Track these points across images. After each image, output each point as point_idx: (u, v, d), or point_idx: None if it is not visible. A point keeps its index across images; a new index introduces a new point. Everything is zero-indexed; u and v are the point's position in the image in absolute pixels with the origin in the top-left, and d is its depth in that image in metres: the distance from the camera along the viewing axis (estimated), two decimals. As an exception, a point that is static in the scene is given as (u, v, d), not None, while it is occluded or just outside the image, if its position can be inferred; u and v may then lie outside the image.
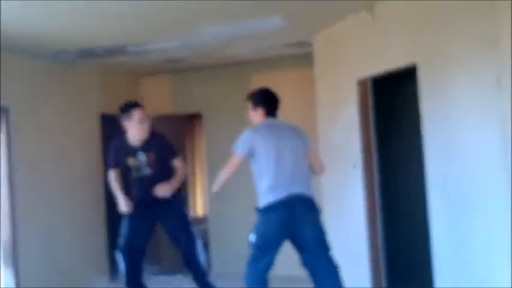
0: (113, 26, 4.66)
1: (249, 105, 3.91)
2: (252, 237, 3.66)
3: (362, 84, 4.69)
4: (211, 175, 6.65)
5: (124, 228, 4.39)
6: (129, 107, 4.31)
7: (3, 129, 5.19)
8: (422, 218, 4.13)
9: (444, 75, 3.71)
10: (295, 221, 3.64)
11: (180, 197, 4.65)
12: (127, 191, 4.52)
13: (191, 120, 8.59)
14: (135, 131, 4.25)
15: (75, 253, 5.81)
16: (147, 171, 4.34)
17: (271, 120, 3.87)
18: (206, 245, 7.47)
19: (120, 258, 4.39)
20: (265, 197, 3.66)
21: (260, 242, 3.64)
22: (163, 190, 4.25)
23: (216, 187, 3.84)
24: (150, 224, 4.48)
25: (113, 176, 4.47)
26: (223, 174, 3.77)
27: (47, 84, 5.70)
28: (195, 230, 4.53)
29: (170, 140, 4.67)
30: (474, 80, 3.46)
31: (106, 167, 4.47)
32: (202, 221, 8.92)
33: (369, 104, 4.72)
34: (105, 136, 6.35)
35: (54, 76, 5.80)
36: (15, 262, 5.17)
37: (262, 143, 3.71)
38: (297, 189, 3.67)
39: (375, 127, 4.74)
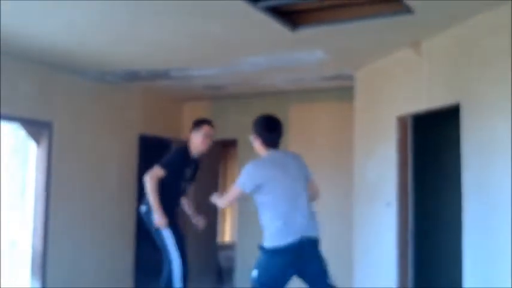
0: (158, 51, 4.76)
1: (252, 132, 3.65)
2: (255, 273, 3.45)
3: (402, 120, 4.63)
4: (242, 202, 6.64)
5: (172, 239, 4.31)
6: (202, 120, 4.53)
7: (45, 143, 5.31)
8: (456, 262, 3.99)
9: (488, 117, 3.62)
10: (303, 260, 3.45)
11: None
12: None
13: (226, 146, 8.63)
14: (199, 143, 4.41)
15: (102, 270, 5.83)
16: (184, 184, 4.50)
17: (273, 152, 3.59)
18: (230, 271, 7.42)
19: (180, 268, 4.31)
20: (275, 238, 3.43)
21: (264, 279, 3.43)
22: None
23: (215, 200, 3.75)
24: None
25: (156, 176, 4.25)
26: (221, 204, 3.72)
27: (90, 102, 5.84)
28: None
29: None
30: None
31: (161, 166, 4.23)
32: (229, 247, 8.88)
33: (408, 142, 4.64)
34: (143, 157, 6.44)
35: (99, 95, 5.93)
36: (43, 273, 5.22)
37: (271, 180, 3.47)
38: (309, 232, 3.47)
39: (412, 165, 4.65)
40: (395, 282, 4.54)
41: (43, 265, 5.21)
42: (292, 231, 3.41)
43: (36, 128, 5.26)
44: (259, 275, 3.46)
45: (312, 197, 3.69)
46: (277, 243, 3.42)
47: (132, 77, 5.70)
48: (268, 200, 3.47)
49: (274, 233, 3.44)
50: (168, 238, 4.30)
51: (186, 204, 4.64)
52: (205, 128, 4.44)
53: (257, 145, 3.62)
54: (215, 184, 7.62)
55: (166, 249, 4.28)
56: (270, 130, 3.59)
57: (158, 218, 4.20)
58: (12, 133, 5.46)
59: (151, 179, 4.22)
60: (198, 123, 4.50)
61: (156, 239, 4.32)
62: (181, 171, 4.41)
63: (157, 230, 4.28)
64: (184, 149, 4.47)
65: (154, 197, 4.21)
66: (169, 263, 4.27)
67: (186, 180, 4.48)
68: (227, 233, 10.09)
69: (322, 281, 3.53)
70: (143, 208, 4.38)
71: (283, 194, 3.47)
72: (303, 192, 3.53)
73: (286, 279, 3.49)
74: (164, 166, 4.28)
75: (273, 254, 3.44)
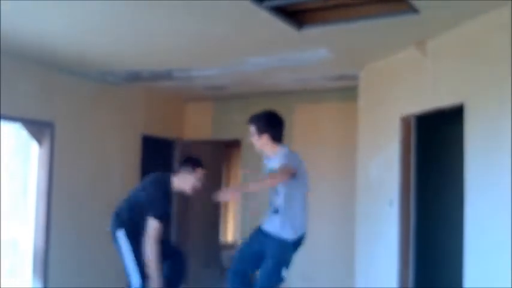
0: (160, 52, 4.75)
1: (253, 130, 3.58)
2: (285, 272, 3.45)
3: (405, 121, 4.62)
4: (245, 203, 6.62)
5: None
6: (197, 163, 4.14)
7: (47, 143, 5.30)
8: (457, 261, 3.97)
9: (492, 117, 3.60)
10: None
11: None
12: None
13: (230, 146, 8.62)
14: (188, 185, 4.08)
15: (104, 269, 5.82)
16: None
17: (286, 146, 3.59)
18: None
19: None
20: (297, 229, 3.54)
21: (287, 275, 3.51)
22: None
23: (253, 188, 3.67)
24: None
25: (159, 235, 3.87)
26: (269, 182, 3.47)
27: (92, 103, 5.83)
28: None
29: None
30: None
31: (156, 219, 3.85)
32: (231, 247, 8.86)
33: (411, 142, 4.63)
34: (146, 157, 6.43)
35: (100, 96, 5.92)
36: (45, 272, 5.21)
37: (300, 170, 3.50)
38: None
39: (415, 165, 4.64)
40: (396, 281, 4.52)
41: (45, 264, 5.21)
42: (303, 227, 3.55)
43: (37, 128, 5.26)
44: (287, 272, 3.49)
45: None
46: (300, 232, 3.53)
47: (134, 77, 5.68)
48: (297, 191, 3.50)
49: (298, 226, 3.52)
50: (130, 261, 4.00)
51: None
52: (199, 172, 4.09)
53: (263, 141, 3.56)
54: (218, 187, 7.59)
55: (128, 274, 4.03)
56: (277, 125, 3.59)
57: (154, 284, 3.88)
58: (14, 133, 5.46)
59: (152, 241, 3.83)
60: (193, 164, 4.11)
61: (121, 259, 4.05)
62: (170, 211, 4.14)
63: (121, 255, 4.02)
64: (167, 185, 4.05)
65: (156, 266, 3.83)
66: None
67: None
68: (230, 233, 10.07)
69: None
70: (121, 233, 3.98)
71: (304, 189, 3.54)
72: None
73: None
74: (159, 216, 3.87)
75: (294, 245, 3.51)
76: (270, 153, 3.60)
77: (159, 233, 3.88)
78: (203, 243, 7.19)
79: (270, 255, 3.49)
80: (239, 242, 7.01)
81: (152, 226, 3.85)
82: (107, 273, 5.83)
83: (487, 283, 3.56)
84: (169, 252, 4.17)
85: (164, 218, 3.95)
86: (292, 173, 3.38)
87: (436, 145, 4.94)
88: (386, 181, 4.76)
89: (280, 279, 3.46)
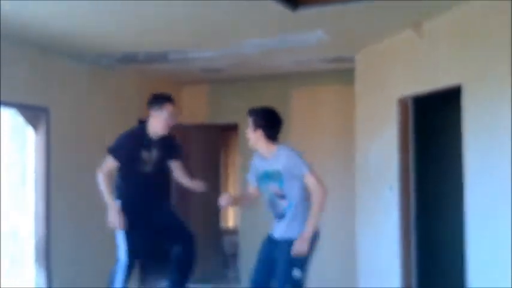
0: (156, 33, 4.68)
1: (250, 122, 3.55)
2: (298, 273, 3.38)
3: (402, 103, 4.59)
4: (243, 186, 6.61)
5: (124, 239, 4.00)
6: (163, 98, 4.02)
7: (43, 128, 5.26)
8: (459, 244, 3.98)
9: (490, 98, 3.58)
10: None
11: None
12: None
13: (227, 130, 8.58)
14: (160, 124, 3.95)
15: (106, 255, 5.82)
16: (150, 168, 4.03)
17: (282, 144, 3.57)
18: (235, 256, 7.44)
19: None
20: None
21: (305, 275, 3.44)
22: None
23: (314, 224, 3.46)
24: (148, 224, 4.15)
25: (108, 171, 3.92)
26: (322, 202, 3.41)
27: (87, 86, 5.77)
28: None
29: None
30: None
31: (110, 155, 3.89)
32: (232, 232, 8.88)
33: (409, 124, 4.60)
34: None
35: (95, 79, 5.87)
36: (48, 262, 5.20)
37: None
38: None
39: (414, 148, 4.62)
40: (398, 265, 4.53)
41: (47, 253, 5.19)
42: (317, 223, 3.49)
43: (33, 113, 5.21)
44: (303, 272, 3.41)
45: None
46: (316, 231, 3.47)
47: (130, 59, 5.62)
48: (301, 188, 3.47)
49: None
50: (120, 237, 4.01)
51: (179, 178, 4.23)
52: (168, 108, 3.96)
53: (257, 136, 3.53)
54: (216, 172, 7.57)
55: (118, 246, 4.02)
56: (274, 123, 3.54)
57: (110, 217, 3.89)
58: (10, 120, 5.42)
59: (100, 173, 3.88)
60: (159, 101, 3.97)
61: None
62: (136, 156, 3.93)
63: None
64: (136, 130, 4.06)
65: (105, 193, 3.87)
66: (116, 261, 4.03)
67: (148, 165, 3.99)
68: (230, 218, 10.09)
69: None
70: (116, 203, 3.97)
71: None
72: None
73: None
74: (111, 153, 3.88)
75: (315, 239, 3.46)
76: (264, 152, 3.54)
77: (108, 168, 3.92)
78: (204, 229, 7.19)
79: (280, 258, 3.45)
80: (240, 227, 7.02)
81: (105, 160, 3.92)
82: (109, 260, 5.82)
83: (489, 263, 3.58)
84: (178, 235, 4.12)
85: (119, 157, 3.90)
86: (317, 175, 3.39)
87: (434, 127, 4.92)
88: (386, 164, 4.74)
89: (293, 280, 3.37)
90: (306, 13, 3.99)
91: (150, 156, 4.01)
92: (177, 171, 4.24)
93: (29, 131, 5.29)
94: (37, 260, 5.20)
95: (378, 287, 4.84)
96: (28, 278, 5.24)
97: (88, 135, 5.75)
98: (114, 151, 3.93)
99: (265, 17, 4.14)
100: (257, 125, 3.51)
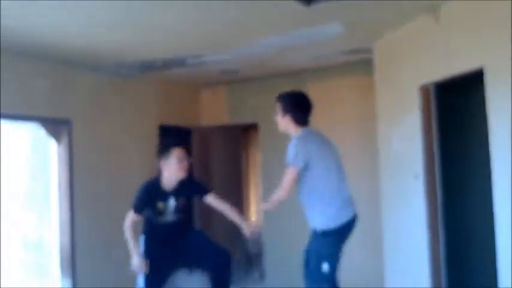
0: (172, 39, 4.70)
1: (278, 108, 3.50)
2: (326, 267, 3.30)
3: (424, 90, 4.50)
4: (266, 185, 6.58)
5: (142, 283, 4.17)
6: (167, 146, 4.11)
7: (65, 140, 5.31)
8: (488, 232, 3.87)
9: (514, 79, 3.48)
10: (344, 241, 3.49)
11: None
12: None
13: (247, 130, 8.57)
14: (172, 170, 4.04)
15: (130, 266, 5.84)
16: (170, 217, 4.17)
17: (311, 128, 3.52)
18: (259, 256, 7.40)
19: None
20: (336, 219, 3.39)
21: (332, 268, 3.33)
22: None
23: (268, 206, 3.50)
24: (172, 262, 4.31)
25: (131, 222, 4.10)
26: (280, 195, 3.40)
27: (107, 96, 5.81)
28: None
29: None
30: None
31: (132, 209, 4.09)
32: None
33: (431, 111, 4.51)
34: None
35: (115, 89, 5.90)
36: (73, 272, 5.24)
37: (319, 155, 3.39)
38: (354, 209, 3.49)
39: (438, 135, 4.53)
40: (426, 255, 4.45)
41: (72, 263, 5.23)
42: (347, 209, 3.41)
43: (55, 126, 5.27)
44: (330, 266, 3.33)
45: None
46: (338, 222, 3.37)
47: (148, 67, 5.64)
48: (319, 179, 3.37)
49: (332, 213, 3.37)
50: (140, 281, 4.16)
51: (221, 211, 4.29)
52: (175, 153, 4.04)
53: (286, 121, 3.47)
54: (238, 171, 7.56)
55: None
56: (303, 107, 3.48)
57: (133, 262, 4.07)
58: (32, 133, 5.48)
59: (126, 229, 4.06)
60: (164, 150, 4.07)
61: None
62: (154, 206, 4.09)
63: None
64: (150, 183, 4.13)
65: (131, 244, 4.05)
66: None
67: (168, 215, 4.13)
68: (253, 214, 10.06)
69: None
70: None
71: (334, 171, 3.40)
72: (343, 174, 3.49)
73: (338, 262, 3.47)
74: (132, 208, 4.06)
75: (335, 234, 3.37)
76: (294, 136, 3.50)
77: (132, 222, 4.07)
78: (225, 226, 7.17)
79: (309, 252, 3.43)
80: (262, 223, 6.99)
81: (128, 215, 4.08)
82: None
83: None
84: (211, 259, 4.19)
85: (140, 210, 4.07)
86: (294, 177, 3.30)
87: (458, 113, 4.80)
88: (410, 154, 4.66)
89: (322, 276, 3.30)
90: (320, 7, 3.94)
91: (166, 206, 4.12)
92: (215, 204, 4.30)
93: (52, 143, 5.34)
94: (62, 269, 5.24)
95: (403, 276, 4.76)
96: (54, 286, 5.28)
97: (110, 144, 5.79)
98: (134, 205, 4.08)
99: (279, 14, 4.10)
100: (285, 110, 3.44)
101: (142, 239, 4.23)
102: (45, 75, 5.12)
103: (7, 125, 5.32)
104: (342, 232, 3.42)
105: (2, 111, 4.64)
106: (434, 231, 4.47)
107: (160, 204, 4.09)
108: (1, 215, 5.23)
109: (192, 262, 4.39)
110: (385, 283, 5.14)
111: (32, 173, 5.57)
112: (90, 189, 5.49)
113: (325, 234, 3.37)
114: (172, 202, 4.12)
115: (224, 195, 4.64)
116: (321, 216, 3.39)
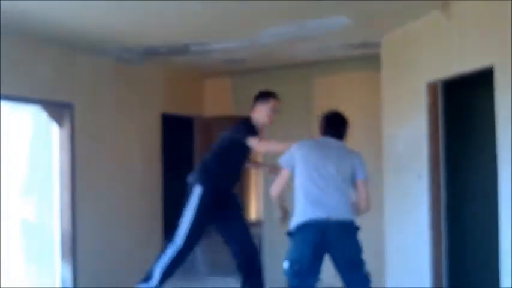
0: (177, 25, 4.64)
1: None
2: (286, 264, 3.49)
3: (432, 87, 4.45)
4: (268, 178, 6.53)
5: (189, 224, 4.20)
6: (269, 93, 4.38)
7: (67, 124, 5.27)
8: (492, 234, 3.83)
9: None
10: (329, 244, 3.44)
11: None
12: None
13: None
14: (264, 116, 4.31)
15: (132, 249, 5.83)
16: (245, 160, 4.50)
17: (326, 138, 3.77)
18: (259, 248, 7.37)
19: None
20: (298, 216, 3.51)
21: (294, 267, 3.45)
22: None
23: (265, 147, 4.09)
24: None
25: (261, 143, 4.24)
26: (273, 192, 3.78)
27: (110, 82, 5.77)
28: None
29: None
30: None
31: (247, 136, 4.15)
32: (255, 225, 8.83)
33: (438, 109, 4.46)
34: (166, 135, 6.38)
35: (118, 74, 5.86)
36: (74, 257, 5.22)
37: (304, 162, 3.57)
38: (337, 215, 3.47)
39: (444, 134, 4.48)
40: (428, 257, 4.41)
41: (73, 247, 5.22)
42: (318, 210, 3.43)
43: (57, 109, 5.23)
44: (290, 264, 3.44)
45: (357, 203, 3.64)
46: (301, 220, 3.45)
47: (151, 53, 5.59)
48: (298, 180, 3.56)
49: (299, 212, 3.50)
50: (187, 221, 4.18)
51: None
52: (272, 102, 4.32)
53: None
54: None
55: (177, 230, 4.19)
56: (331, 125, 3.81)
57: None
58: (34, 116, 5.44)
59: (258, 144, 4.13)
60: (265, 96, 4.35)
61: (182, 214, 4.24)
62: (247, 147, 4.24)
63: (185, 208, 4.20)
64: (250, 121, 4.32)
65: (277, 146, 4.15)
66: (170, 244, 4.19)
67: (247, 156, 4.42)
68: (253, 211, 10.04)
69: (353, 272, 3.45)
70: (190, 178, 4.31)
71: (315, 176, 3.50)
72: (339, 179, 3.54)
73: (317, 262, 3.42)
74: (246, 135, 4.14)
75: (297, 232, 3.46)
76: None
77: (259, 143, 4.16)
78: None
79: None
80: (263, 219, 6.96)
81: (252, 141, 4.13)
82: (135, 254, 5.83)
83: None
84: (246, 265, 4.34)
85: (239, 143, 4.18)
86: (282, 174, 3.67)
87: (465, 112, 4.75)
88: (415, 152, 4.61)
89: (285, 273, 3.48)
90: (328, -2, 3.89)
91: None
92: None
93: (53, 127, 5.30)
94: (63, 255, 5.22)
95: (405, 277, 4.73)
96: (54, 273, 5.27)
97: (112, 130, 5.75)
98: (245, 133, 4.19)
99: (286, 4, 4.05)
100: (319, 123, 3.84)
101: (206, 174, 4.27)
102: (48, 57, 5.08)
103: (8, 107, 5.28)
104: (304, 232, 3.45)
105: (3, 92, 4.60)
106: (437, 232, 4.43)
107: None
108: (1, 199, 5.20)
109: (223, 235, 4.45)
110: (386, 283, 5.11)
111: (33, 157, 5.53)
112: (92, 174, 5.46)
113: (288, 233, 3.55)
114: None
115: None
116: (292, 217, 3.57)
